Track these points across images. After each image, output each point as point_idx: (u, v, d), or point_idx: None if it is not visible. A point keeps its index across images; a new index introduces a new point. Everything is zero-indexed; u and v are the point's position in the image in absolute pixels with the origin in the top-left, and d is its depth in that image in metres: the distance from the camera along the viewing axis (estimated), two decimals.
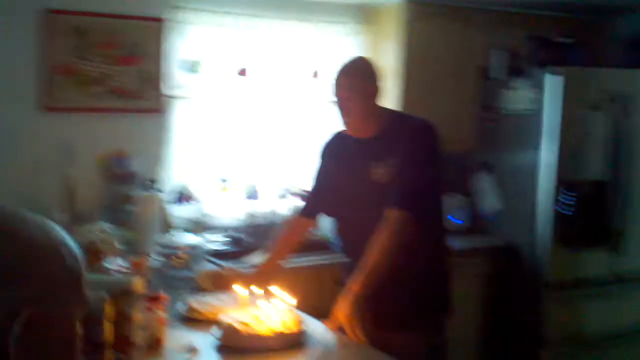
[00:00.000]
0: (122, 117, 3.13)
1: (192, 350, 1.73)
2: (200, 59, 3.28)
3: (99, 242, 2.55)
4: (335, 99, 2.21)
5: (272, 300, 1.97)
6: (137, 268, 2.48)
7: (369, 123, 2.20)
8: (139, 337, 1.70)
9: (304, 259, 2.92)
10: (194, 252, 2.57)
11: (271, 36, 3.41)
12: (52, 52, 2.96)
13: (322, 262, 3.04)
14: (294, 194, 3.45)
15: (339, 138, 2.36)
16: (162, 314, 1.75)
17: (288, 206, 3.44)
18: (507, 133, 3.60)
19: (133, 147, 3.12)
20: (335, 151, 2.37)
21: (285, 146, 3.49)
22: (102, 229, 2.73)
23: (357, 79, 2.18)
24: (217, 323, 1.89)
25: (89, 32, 3.04)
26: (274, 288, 2.00)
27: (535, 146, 3.41)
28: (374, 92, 2.19)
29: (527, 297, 3.44)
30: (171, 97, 3.21)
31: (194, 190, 3.29)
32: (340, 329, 1.95)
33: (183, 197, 3.26)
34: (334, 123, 3.54)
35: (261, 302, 1.97)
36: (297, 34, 3.47)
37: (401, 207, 2.08)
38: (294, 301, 1.94)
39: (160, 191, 2.94)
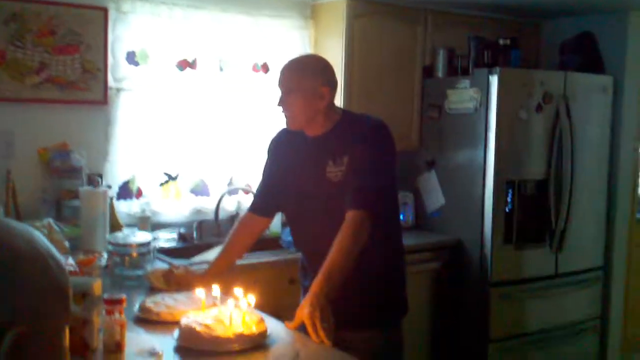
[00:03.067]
0: (64, 108, 3.02)
1: (155, 354, 1.69)
2: (144, 50, 3.20)
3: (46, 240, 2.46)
4: (279, 93, 2.19)
5: (232, 300, 1.94)
6: (86, 267, 2.42)
7: (313, 121, 2.17)
8: (98, 341, 1.65)
9: (254, 256, 2.90)
10: (145, 250, 2.50)
11: (216, 29, 3.36)
12: None
13: (274, 259, 3.03)
14: (242, 190, 3.42)
15: (287, 134, 2.33)
16: (122, 317, 1.70)
17: (236, 202, 3.41)
18: (450, 132, 3.68)
19: (76, 140, 3.01)
20: (284, 148, 2.34)
21: (232, 141, 3.45)
22: (48, 226, 2.63)
23: (298, 75, 2.15)
24: (177, 325, 1.86)
25: (26, 19, 2.91)
26: (235, 287, 1.98)
27: (478, 145, 3.50)
28: (317, 90, 2.14)
29: (473, 294, 3.54)
30: (115, 88, 3.11)
31: (139, 185, 3.21)
32: (301, 329, 1.95)
33: (128, 192, 3.18)
34: (280, 118, 3.56)
35: (220, 303, 1.95)
36: (240, 27, 3.43)
37: (359, 207, 2.09)
38: (253, 300, 1.92)
39: (106, 186, 2.85)
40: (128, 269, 2.46)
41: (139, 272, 2.43)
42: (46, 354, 0.81)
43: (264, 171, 2.40)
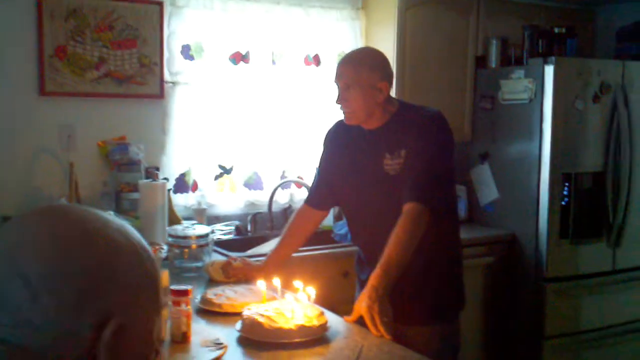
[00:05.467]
0: (122, 102, 3.09)
1: (219, 345, 1.72)
2: (199, 43, 3.23)
3: None
4: (336, 86, 2.18)
5: (292, 292, 1.96)
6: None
7: (371, 114, 2.17)
8: (165, 332, 1.69)
9: (308, 249, 2.92)
10: (203, 243, 2.55)
11: (268, 21, 3.37)
12: (49, 35, 2.90)
13: (327, 252, 3.04)
14: (295, 183, 3.44)
15: (343, 126, 2.32)
16: (188, 308, 1.74)
17: (289, 195, 3.44)
18: (504, 123, 3.62)
19: (134, 133, 3.07)
20: (340, 141, 2.33)
21: (285, 134, 3.47)
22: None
23: (357, 70, 2.13)
24: (238, 316, 1.89)
25: (85, 15, 2.98)
26: (295, 280, 2.00)
27: (532, 137, 3.44)
28: (376, 84, 2.13)
29: (527, 290, 3.48)
30: (171, 82, 3.16)
31: (194, 178, 3.26)
32: (360, 323, 1.96)
33: (184, 185, 3.23)
34: (335, 110, 3.56)
35: (281, 295, 1.97)
36: (292, 19, 3.44)
37: (418, 200, 2.08)
38: (313, 293, 1.93)
39: (164, 179, 2.91)
40: (187, 261, 2.51)
41: (198, 264, 2.47)
42: (140, 345, 0.83)
43: (320, 164, 2.40)
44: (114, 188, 3.00)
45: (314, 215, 2.44)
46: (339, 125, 2.36)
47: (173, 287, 1.74)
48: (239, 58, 3.32)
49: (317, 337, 1.84)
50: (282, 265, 2.38)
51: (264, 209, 3.34)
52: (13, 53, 2.86)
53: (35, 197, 2.87)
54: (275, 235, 3.10)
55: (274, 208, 3.35)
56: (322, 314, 1.90)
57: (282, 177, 3.46)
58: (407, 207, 2.07)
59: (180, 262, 2.50)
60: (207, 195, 3.26)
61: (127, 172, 3.00)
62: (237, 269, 2.36)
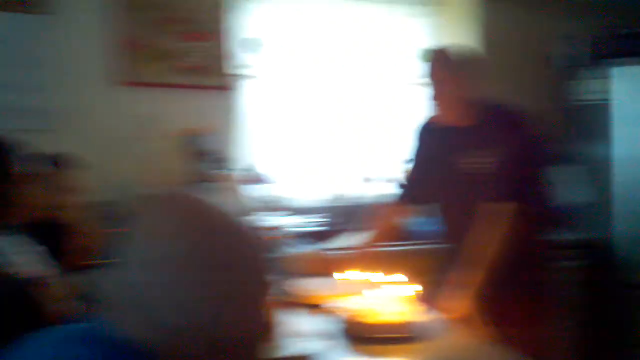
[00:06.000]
0: (194, 93, 3.07)
1: (314, 337, 1.68)
2: (269, 37, 3.22)
3: None
4: (426, 84, 2.14)
5: (390, 287, 1.91)
6: None
7: (462, 111, 2.13)
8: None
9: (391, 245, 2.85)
10: (281, 234, 2.51)
11: (342, 16, 3.34)
12: (124, 27, 2.91)
13: (410, 248, 2.98)
14: (376, 178, 3.39)
15: (434, 123, 2.29)
16: (276, 298, 1.70)
17: (370, 189, 3.38)
18: (578, 125, 3.51)
19: (207, 124, 3.06)
20: (431, 136, 2.30)
21: (363, 128, 3.42)
22: None
23: (450, 67, 2.11)
24: (339, 310, 1.84)
25: (161, 7, 2.98)
26: (393, 274, 1.96)
27: (609, 138, 3.32)
28: (467, 80, 2.11)
29: (617, 295, 3.32)
30: (243, 75, 3.14)
31: (266, 170, 3.23)
32: (455, 321, 1.90)
33: (257, 177, 3.20)
34: (416, 106, 3.49)
35: (376, 289, 1.92)
36: (370, 15, 3.40)
37: (507, 198, 2.03)
38: (409, 289, 1.88)
39: (239, 170, 2.89)
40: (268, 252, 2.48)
41: (279, 255, 2.43)
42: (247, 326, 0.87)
43: (411, 159, 2.36)
44: (187, 179, 2.99)
45: (401, 210, 2.40)
46: (430, 121, 2.32)
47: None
48: (310, 52, 3.29)
49: (414, 334, 1.78)
50: (366, 259, 2.33)
51: (341, 202, 3.29)
52: (91, 44, 2.89)
53: (111, 184, 2.88)
54: (352, 229, 3.06)
55: (354, 202, 3.30)
56: (420, 310, 1.85)
57: (364, 171, 3.42)
58: (497, 206, 2.03)
59: None
60: (281, 187, 3.23)
61: (200, 163, 2.99)
62: (318, 260, 2.32)
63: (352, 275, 2.01)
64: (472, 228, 2.09)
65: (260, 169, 3.21)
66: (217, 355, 0.83)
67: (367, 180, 3.38)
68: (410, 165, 2.37)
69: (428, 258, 2.76)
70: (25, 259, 1.76)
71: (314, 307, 1.96)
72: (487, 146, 2.10)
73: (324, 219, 3.23)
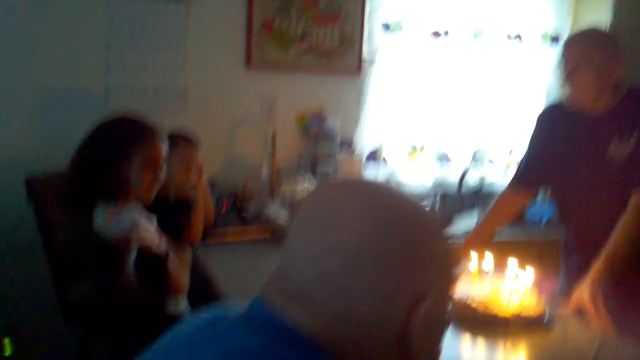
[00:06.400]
0: (321, 77, 3.14)
1: None
2: (399, 21, 3.21)
3: None
4: (561, 69, 2.06)
5: (509, 275, 1.90)
6: None
7: (600, 97, 2.04)
8: None
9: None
10: None
11: None
12: (258, 10, 3.00)
13: (523, 235, 2.92)
14: (486, 163, 3.35)
15: (561, 110, 2.22)
16: None
17: (479, 176, 3.34)
18: None
19: (330, 107, 3.13)
20: (558, 123, 2.22)
21: (480, 112, 3.38)
22: (310, 187, 2.78)
23: (588, 50, 2.01)
24: (457, 298, 1.86)
25: None
26: (512, 260, 1.94)
27: None
28: (607, 65, 2.00)
29: None
30: (369, 59, 3.17)
31: (385, 153, 3.27)
32: (580, 313, 1.86)
33: (375, 160, 3.25)
34: (534, 92, 3.40)
35: (492, 275, 1.92)
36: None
37: None
38: (532, 278, 1.86)
39: (360, 153, 2.94)
40: None
41: None
42: (441, 319, 0.83)
43: (531, 145, 2.31)
44: (309, 159, 3.08)
45: (519, 197, 2.35)
46: (557, 107, 2.27)
47: None
48: (438, 35, 3.26)
49: (533, 326, 1.77)
50: (481, 245, 2.32)
51: (453, 189, 3.27)
52: (224, 28, 3.00)
53: (236, 165, 3.03)
54: (464, 216, 3.04)
55: (464, 189, 3.28)
56: (540, 300, 1.83)
57: (474, 157, 3.38)
58: (637, 198, 1.95)
59: None
60: (397, 171, 3.25)
61: (322, 144, 3.07)
62: None
63: (470, 262, 2.00)
64: (598, 216, 2.04)
65: (380, 152, 3.25)
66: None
67: (475, 166, 3.33)
68: (530, 151, 2.31)
69: (544, 245, 2.72)
70: (156, 233, 1.90)
71: None
72: (625, 134, 2.01)
73: (432, 205, 3.23)
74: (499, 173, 3.37)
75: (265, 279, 0.84)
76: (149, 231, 1.84)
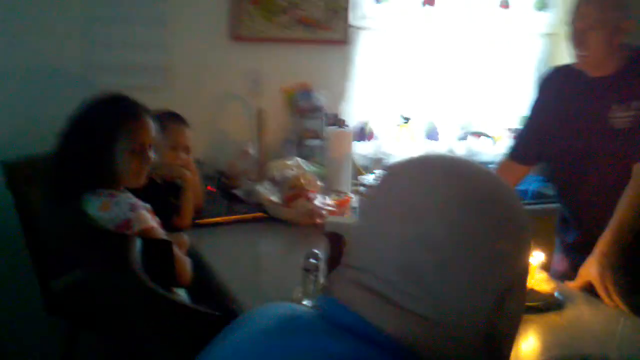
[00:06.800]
0: (307, 48, 3.03)
1: None
2: None
3: (302, 179, 2.52)
4: (572, 29, 1.99)
5: None
6: (341, 208, 2.45)
7: (609, 59, 1.98)
8: None
9: None
10: None
11: None
12: None
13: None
14: (474, 135, 3.30)
15: (563, 73, 2.15)
16: None
17: (466, 148, 3.30)
18: None
19: (316, 79, 3.03)
20: (558, 88, 2.15)
21: (468, 83, 3.32)
22: (297, 165, 2.70)
23: (603, 9, 1.92)
24: None
25: None
26: None
27: None
28: (620, 24, 1.93)
29: None
30: (356, 27, 3.07)
31: (372, 127, 3.19)
32: (587, 290, 1.83)
33: (362, 134, 3.17)
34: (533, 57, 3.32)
35: None
36: None
37: None
38: (541, 257, 1.82)
39: (351, 127, 2.86)
40: None
41: None
42: (522, 308, 0.76)
43: (530, 114, 2.24)
44: (296, 134, 2.99)
45: (515, 170, 2.29)
46: (558, 71, 2.20)
47: None
48: (428, 3, 3.17)
49: (545, 303, 1.73)
50: None
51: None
52: (210, 1, 2.87)
53: (222, 142, 2.92)
54: None
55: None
56: (548, 279, 1.79)
57: (463, 128, 3.33)
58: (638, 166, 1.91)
59: None
60: (385, 144, 3.18)
61: (310, 119, 2.98)
62: None
63: None
64: (599, 188, 2.00)
65: (369, 125, 3.17)
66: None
67: (462, 138, 3.29)
68: (530, 120, 2.25)
69: (542, 220, 2.68)
70: (154, 218, 1.81)
71: None
72: (628, 99, 1.95)
73: None
74: (489, 146, 3.33)
75: (329, 275, 0.76)
76: (148, 215, 1.75)
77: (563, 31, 3.32)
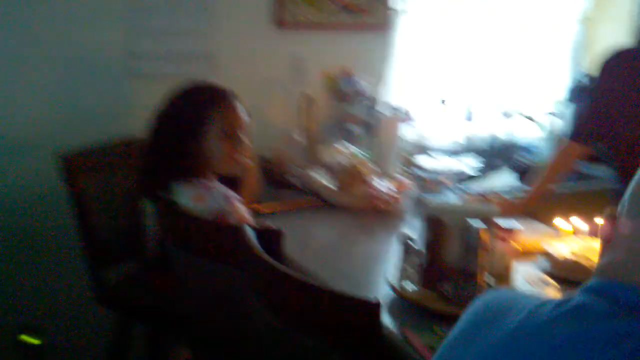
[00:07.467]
0: (349, 34, 3.00)
1: (546, 283, 1.66)
2: None
3: (357, 163, 2.50)
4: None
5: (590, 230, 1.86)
6: (400, 192, 2.43)
7: None
8: (494, 267, 1.63)
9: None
10: (451, 176, 2.48)
11: None
12: None
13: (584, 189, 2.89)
14: (516, 116, 3.29)
15: (629, 56, 2.15)
16: (514, 245, 1.67)
17: (507, 129, 3.29)
18: None
19: (358, 64, 3.00)
20: (624, 71, 2.16)
21: (510, 66, 3.31)
22: (348, 150, 2.67)
23: None
24: (545, 254, 1.81)
25: None
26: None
27: None
28: None
29: None
30: (397, 11, 3.04)
31: (413, 110, 3.17)
32: None
33: (404, 117, 3.14)
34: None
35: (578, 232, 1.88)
36: None
37: None
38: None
39: (391, 112, 2.84)
40: (432, 194, 2.45)
41: (445, 198, 2.40)
42: None
43: (594, 96, 2.24)
44: (339, 120, 2.96)
45: (577, 150, 2.29)
46: (622, 54, 2.18)
47: (500, 222, 1.67)
48: None
49: None
50: (541, 200, 2.27)
51: (484, 146, 3.21)
52: None
53: (266, 128, 2.87)
54: (497, 173, 2.99)
55: (494, 143, 3.22)
56: None
57: (503, 110, 3.32)
58: None
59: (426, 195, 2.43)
60: (424, 127, 3.16)
61: (351, 104, 2.95)
62: (498, 205, 2.27)
63: (560, 219, 1.95)
64: None
65: (410, 109, 3.15)
66: None
67: (504, 118, 3.28)
68: (592, 102, 2.25)
69: (602, 200, 2.68)
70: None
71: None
72: None
73: (480, 160, 3.16)
74: (529, 129, 3.32)
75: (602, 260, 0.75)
76: (242, 206, 1.72)
77: (598, 16, 3.36)
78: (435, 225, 1.57)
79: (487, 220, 1.57)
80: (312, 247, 2.09)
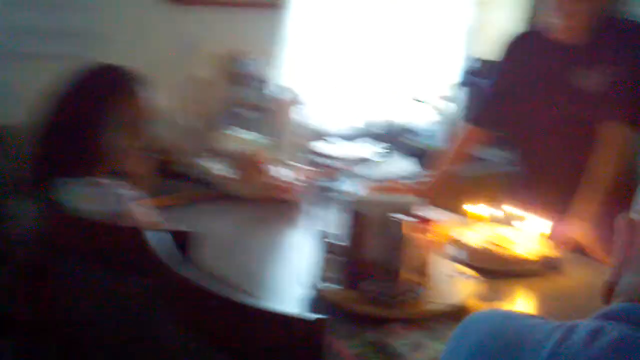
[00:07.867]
0: (243, 10, 2.80)
1: (464, 274, 1.60)
2: None
3: (252, 151, 2.35)
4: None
5: (518, 220, 1.83)
6: (301, 179, 2.31)
7: (587, 26, 1.98)
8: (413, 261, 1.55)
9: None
10: (350, 162, 2.39)
11: None
12: None
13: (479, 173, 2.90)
14: (414, 100, 3.26)
15: (532, 39, 2.14)
16: (432, 236, 1.60)
17: (402, 115, 3.25)
18: None
19: (250, 46, 2.83)
20: (526, 53, 2.13)
21: (406, 50, 3.26)
22: (242, 136, 2.51)
23: None
24: (459, 243, 1.75)
25: None
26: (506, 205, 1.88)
27: None
28: None
29: None
30: None
31: (305, 94, 3.05)
32: (576, 252, 1.85)
33: (295, 101, 3.01)
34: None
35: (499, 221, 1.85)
36: None
37: (623, 119, 1.94)
38: (548, 225, 1.79)
39: (283, 95, 2.70)
40: (327, 181, 2.35)
41: (339, 185, 2.31)
42: None
43: (495, 79, 2.22)
44: (232, 104, 2.78)
45: (477, 135, 2.27)
46: (525, 36, 2.18)
47: (419, 213, 1.58)
48: None
49: (552, 268, 1.72)
50: (442, 185, 2.23)
51: (377, 129, 3.16)
52: None
53: (157, 115, 2.65)
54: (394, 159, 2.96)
55: (389, 127, 3.17)
56: (552, 244, 1.78)
57: (398, 95, 3.28)
58: (611, 128, 1.94)
59: (321, 182, 2.33)
60: (316, 112, 3.06)
61: (244, 87, 2.78)
62: (393, 191, 2.19)
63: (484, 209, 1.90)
64: (564, 151, 2.02)
65: (304, 92, 3.02)
66: None
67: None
68: (493, 84, 2.23)
69: (503, 184, 2.69)
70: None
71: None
72: (599, 63, 1.96)
73: (377, 145, 3.10)
74: (424, 113, 3.29)
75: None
76: (138, 207, 1.51)
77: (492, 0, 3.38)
78: (357, 219, 1.46)
79: (406, 211, 1.48)
80: (210, 244, 1.91)
